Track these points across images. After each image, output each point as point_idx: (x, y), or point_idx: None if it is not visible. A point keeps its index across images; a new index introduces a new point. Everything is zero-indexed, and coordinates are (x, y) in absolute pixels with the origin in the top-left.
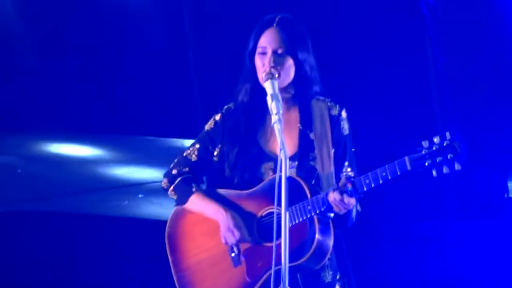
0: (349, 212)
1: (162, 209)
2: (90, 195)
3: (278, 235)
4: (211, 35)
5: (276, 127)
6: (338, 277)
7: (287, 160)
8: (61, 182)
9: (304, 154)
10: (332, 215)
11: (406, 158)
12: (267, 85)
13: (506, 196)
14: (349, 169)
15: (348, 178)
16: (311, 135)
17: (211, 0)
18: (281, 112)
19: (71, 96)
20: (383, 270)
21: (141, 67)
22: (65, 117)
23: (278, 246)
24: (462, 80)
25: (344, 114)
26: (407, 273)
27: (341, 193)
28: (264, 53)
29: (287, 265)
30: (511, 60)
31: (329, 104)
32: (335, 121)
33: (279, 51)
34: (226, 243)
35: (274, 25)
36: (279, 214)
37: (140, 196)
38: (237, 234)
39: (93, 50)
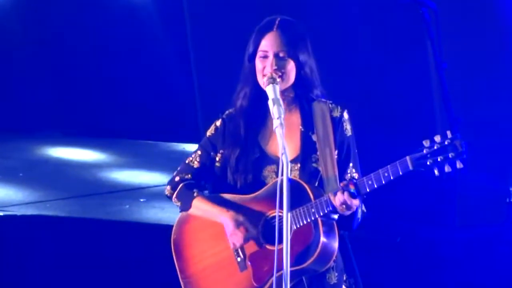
0: (354, 213)
1: (164, 213)
2: (91, 199)
3: (282, 239)
4: (212, 40)
5: (278, 132)
6: (344, 278)
7: (289, 164)
8: (62, 186)
9: (306, 156)
10: (336, 216)
11: (408, 158)
12: (269, 90)
13: (508, 201)
14: (353, 170)
15: (351, 179)
16: (313, 137)
17: (212, 3)
18: (282, 116)
19: (72, 100)
20: (383, 275)
21: (143, 72)
22: (67, 121)
23: (282, 251)
24: (463, 84)
25: (346, 115)
26: (407, 280)
27: (343, 194)
28: (265, 57)
29: (289, 269)
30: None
31: (330, 106)
32: (337, 123)
33: (281, 54)
34: (234, 245)
35: (275, 28)
36: (281, 218)
37: (141, 200)
38: (243, 232)
39: (96, 53)
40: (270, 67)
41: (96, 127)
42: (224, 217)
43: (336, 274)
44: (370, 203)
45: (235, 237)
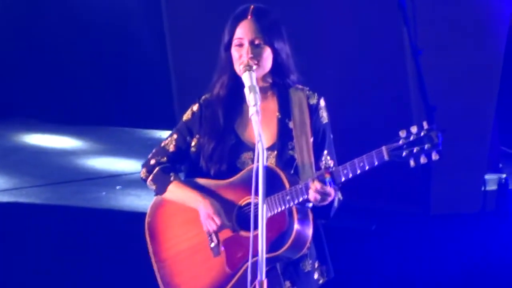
0: (331, 201)
1: (140, 200)
2: (68, 186)
3: (257, 226)
4: (189, 27)
5: (254, 119)
6: (316, 265)
7: (265, 152)
8: (38, 173)
9: (283, 143)
10: (311, 204)
11: (384, 148)
12: (245, 77)
13: (482, 189)
14: (328, 157)
15: (326, 168)
16: (290, 124)
17: None
18: (258, 103)
19: (48, 86)
20: (360, 263)
21: (120, 59)
22: (43, 108)
23: (257, 237)
24: (439, 72)
25: (322, 102)
26: (380, 267)
27: (320, 183)
28: (241, 45)
29: (264, 257)
30: (488, 54)
31: (307, 93)
32: (313, 110)
33: (256, 42)
34: (208, 231)
35: (249, 16)
36: (257, 205)
37: (117, 187)
38: (218, 220)
39: (73, 40)
40: (246, 55)
41: (73, 114)
42: (199, 204)
43: (310, 261)
44: (345, 190)
45: (210, 223)
